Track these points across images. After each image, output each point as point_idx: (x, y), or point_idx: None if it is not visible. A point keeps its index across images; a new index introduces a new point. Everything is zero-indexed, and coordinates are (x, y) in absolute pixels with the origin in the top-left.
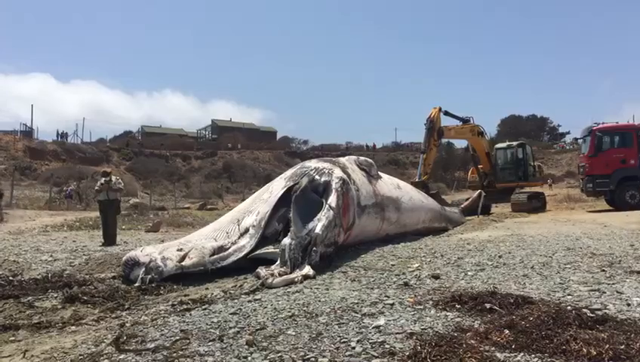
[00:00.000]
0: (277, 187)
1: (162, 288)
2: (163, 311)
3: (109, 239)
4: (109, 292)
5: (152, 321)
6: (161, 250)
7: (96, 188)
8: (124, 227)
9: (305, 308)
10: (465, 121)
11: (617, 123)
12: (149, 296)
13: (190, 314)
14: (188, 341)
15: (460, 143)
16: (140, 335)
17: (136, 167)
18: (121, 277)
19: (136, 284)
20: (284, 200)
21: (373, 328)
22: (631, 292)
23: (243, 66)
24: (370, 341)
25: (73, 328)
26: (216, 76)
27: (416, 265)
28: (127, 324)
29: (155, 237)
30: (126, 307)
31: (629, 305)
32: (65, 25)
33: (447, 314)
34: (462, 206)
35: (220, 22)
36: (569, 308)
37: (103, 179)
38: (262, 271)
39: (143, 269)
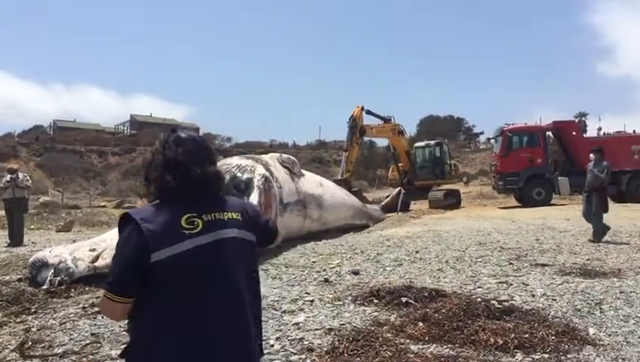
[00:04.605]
0: None
1: (73, 290)
2: (73, 315)
3: (16, 239)
4: (14, 296)
5: (60, 325)
6: (71, 251)
7: (1, 185)
8: (32, 227)
9: None
10: (386, 120)
11: (526, 124)
12: (58, 299)
13: (102, 317)
14: (99, 345)
15: (381, 142)
16: (47, 340)
17: (47, 163)
18: (28, 280)
19: (44, 287)
20: None
21: (292, 325)
22: (535, 283)
23: (167, 61)
24: (289, 338)
25: None
26: (139, 70)
27: (337, 261)
28: (34, 329)
29: (66, 237)
30: (32, 311)
31: (533, 296)
32: None
33: (366, 308)
34: (382, 203)
35: (144, 14)
36: (479, 299)
37: (9, 175)
38: None
39: (52, 271)
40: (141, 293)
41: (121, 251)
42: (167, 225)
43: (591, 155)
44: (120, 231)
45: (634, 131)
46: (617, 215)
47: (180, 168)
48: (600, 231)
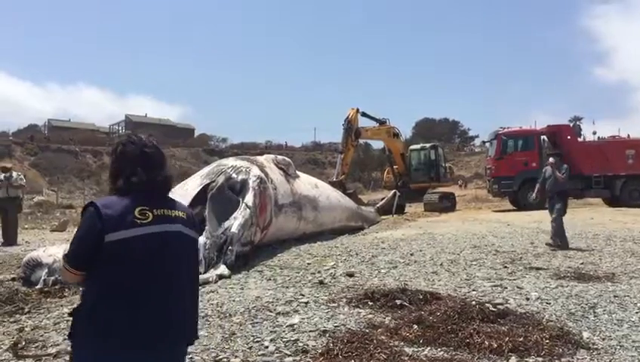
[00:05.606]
0: (192, 185)
1: (66, 290)
2: (66, 314)
3: (10, 239)
4: (8, 295)
5: (54, 325)
6: (65, 250)
7: None
8: (26, 226)
9: (219, 308)
10: (381, 122)
11: (521, 127)
12: (52, 299)
13: None
14: None
15: (376, 144)
16: (40, 340)
17: (42, 163)
18: (22, 279)
19: (38, 286)
20: (199, 199)
21: (287, 326)
22: (530, 287)
23: (163, 62)
24: (284, 339)
25: None
26: (135, 70)
27: (332, 263)
28: (27, 329)
29: (60, 236)
30: (26, 310)
31: (527, 299)
32: None
33: (360, 311)
34: (377, 205)
35: (141, 15)
36: (473, 302)
37: (3, 175)
38: None
39: (46, 270)
40: (94, 268)
41: (81, 230)
42: (123, 213)
43: (550, 159)
44: (83, 214)
45: (628, 135)
46: (612, 219)
47: (145, 170)
48: (561, 233)
